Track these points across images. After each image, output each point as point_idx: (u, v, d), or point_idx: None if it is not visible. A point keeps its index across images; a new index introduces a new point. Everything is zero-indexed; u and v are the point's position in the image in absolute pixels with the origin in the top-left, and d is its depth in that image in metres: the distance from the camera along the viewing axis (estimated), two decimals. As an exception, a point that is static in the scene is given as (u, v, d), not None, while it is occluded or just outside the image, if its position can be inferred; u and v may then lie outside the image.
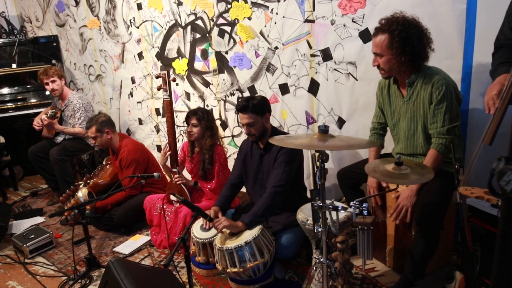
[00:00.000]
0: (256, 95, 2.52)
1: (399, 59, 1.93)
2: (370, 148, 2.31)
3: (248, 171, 2.62)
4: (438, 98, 1.93)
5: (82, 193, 3.15)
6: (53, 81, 3.73)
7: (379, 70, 2.06)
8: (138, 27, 3.89)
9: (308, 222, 2.08)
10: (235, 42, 3.20)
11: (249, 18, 3.03)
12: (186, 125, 2.95)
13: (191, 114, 2.86)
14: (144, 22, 3.82)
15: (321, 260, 1.77)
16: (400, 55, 1.91)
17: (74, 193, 3.22)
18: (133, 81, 4.21)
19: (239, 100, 2.60)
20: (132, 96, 4.31)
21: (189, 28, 3.48)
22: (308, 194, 2.66)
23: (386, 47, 1.93)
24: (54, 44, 4.83)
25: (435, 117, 1.96)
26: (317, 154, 1.67)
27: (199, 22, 3.38)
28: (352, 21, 2.53)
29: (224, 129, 3.58)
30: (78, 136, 3.80)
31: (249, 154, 2.60)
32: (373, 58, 2.05)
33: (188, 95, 3.75)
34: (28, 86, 4.58)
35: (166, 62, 3.79)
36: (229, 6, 3.12)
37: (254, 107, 2.35)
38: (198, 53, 3.51)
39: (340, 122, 2.82)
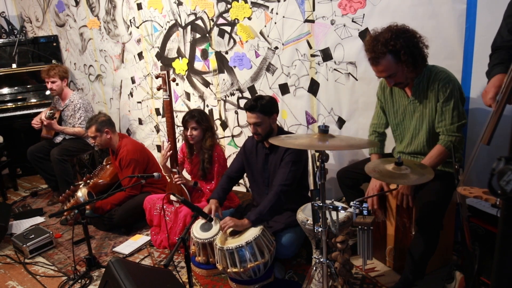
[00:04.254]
0: (265, 95, 2.51)
1: (411, 67, 1.92)
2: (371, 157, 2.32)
3: (252, 169, 2.62)
4: (445, 96, 1.93)
5: (81, 193, 3.15)
6: (53, 82, 3.76)
7: (397, 86, 2.05)
8: (138, 27, 3.89)
9: (308, 222, 2.08)
10: (235, 42, 3.20)
11: (249, 18, 3.03)
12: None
13: (189, 117, 2.81)
14: (144, 22, 3.82)
15: (321, 260, 1.77)
16: (410, 63, 1.90)
17: (73, 193, 3.22)
18: (133, 81, 4.21)
19: (248, 99, 2.60)
20: (132, 96, 4.31)
21: (189, 28, 3.48)
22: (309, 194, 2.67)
23: (396, 64, 1.91)
24: (54, 44, 4.83)
25: (443, 114, 1.96)
26: (317, 154, 1.67)
27: (199, 22, 3.38)
28: (352, 21, 2.53)
29: (224, 129, 3.59)
30: (78, 136, 3.80)
31: (253, 152, 2.60)
32: (386, 81, 2.04)
33: (188, 95, 3.75)
34: (28, 86, 4.58)
35: (166, 62, 3.79)
36: (229, 6, 3.12)
37: (263, 107, 2.36)
38: (198, 53, 3.51)
39: (340, 122, 2.82)
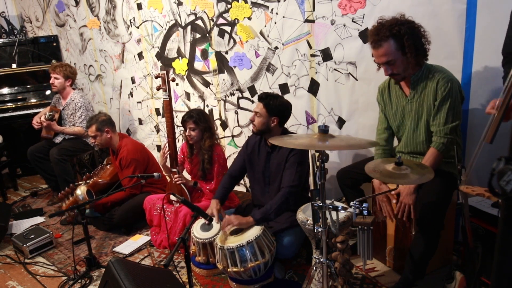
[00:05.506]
0: (285, 99, 2.51)
1: (412, 55, 1.91)
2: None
3: (254, 167, 2.62)
4: (443, 95, 1.93)
5: (81, 191, 3.15)
6: (56, 78, 3.78)
7: (393, 77, 2.05)
8: (138, 27, 3.89)
9: (308, 222, 2.08)
10: (235, 42, 3.20)
11: (249, 18, 3.03)
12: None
13: (187, 118, 2.81)
14: (144, 22, 3.82)
15: (321, 260, 1.77)
16: (411, 52, 1.90)
17: (72, 191, 3.22)
18: (133, 81, 4.21)
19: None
20: (132, 96, 4.31)
21: (189, 28, 3.48)
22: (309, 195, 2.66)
23: (396, 50, 1.91)
24: (54, 44, 4.83)
25: (439, 113, 1.96)
26: (317, 154, 1.67)
27: (199, 22, 3.38)
28: (352, 21, 2.53)
29: (224, 129, 3.58)
30: (78, 136, 3.80)
31: (256, 150, 2.60)
32: (383, 69, 2.03)
33: (188, 95, 3.75)
34: (28, 86, 4.58)
35: (166, 62, 3.79)
36: (229, 6, 3.12)
37: (268, 103, 2.40)
38: (198, 53, 3.51)
39: (340, 122, 2.82)
